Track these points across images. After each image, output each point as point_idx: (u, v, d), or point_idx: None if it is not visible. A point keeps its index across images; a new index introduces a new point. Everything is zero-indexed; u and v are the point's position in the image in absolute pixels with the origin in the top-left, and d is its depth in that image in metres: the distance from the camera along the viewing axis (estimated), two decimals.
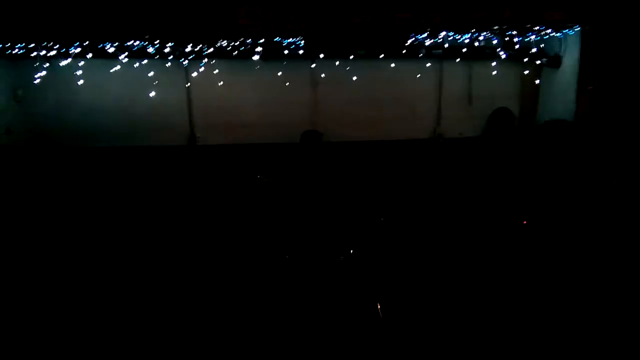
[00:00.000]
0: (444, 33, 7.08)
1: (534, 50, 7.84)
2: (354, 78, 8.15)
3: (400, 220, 5.98)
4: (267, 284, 4.53)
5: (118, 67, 7.71)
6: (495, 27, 6.64)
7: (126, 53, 7.44)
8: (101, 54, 7.45)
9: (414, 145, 8.48)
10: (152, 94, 8.00)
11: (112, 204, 6.53)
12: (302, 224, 5.83)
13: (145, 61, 7.88)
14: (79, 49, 7.25)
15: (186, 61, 8.12)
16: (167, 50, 7.62)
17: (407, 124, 8.66)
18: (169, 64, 8.06)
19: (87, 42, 7.12)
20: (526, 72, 8.27)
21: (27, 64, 7.55)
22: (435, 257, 5.06)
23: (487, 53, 7.94)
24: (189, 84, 8.47)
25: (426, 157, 8.15)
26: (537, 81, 8.30)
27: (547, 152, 6.09)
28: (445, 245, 5.33)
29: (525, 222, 5.81)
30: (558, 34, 7.53)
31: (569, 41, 7.58)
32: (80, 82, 7.51)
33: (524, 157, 7.26)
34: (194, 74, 8.23)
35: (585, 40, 7.21)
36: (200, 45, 7.61)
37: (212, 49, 7.79)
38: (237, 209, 6.25)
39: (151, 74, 7.94)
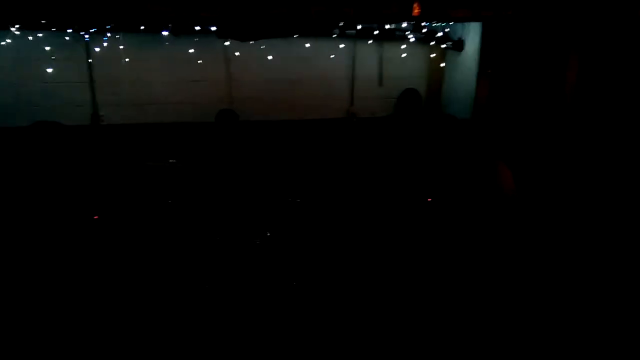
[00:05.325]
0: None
1: (439, 34, 8.25)
2: (269, 57, 8.09)
3: (316, 201, 6.21)
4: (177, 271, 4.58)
5: (9, 40, 7.03)
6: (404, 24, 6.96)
7: (18, 25, 6.77)
8: None
9: (329, 124, 8.67)
10: (50, 69, 7.44)
11: None
12: (214, 207, 5.86)
13: (41, 34, 7.24)
14: None
15: (87, 35, 7.55)
16: (65, 22, 7.03)
17: (322, 104, 8.79)
18: (68, 37, 7.47)
19: None
20: (432, 55, 8.70)
21: None
22: (350, 236, 5.37)
23: (397, 35, 8.22)
24: (90, 59, 7.91)
25: (340, 137, 8.40)
26: (442, 64, 8.79)
27: (448, 140, 6.58)
28: (359, 223, 5.66)
29: (430, 200, 6.30)
30: None
31: (471, 27, 8.05)
32: None
33: (429, 140, 7.75)
34: (97, 49, 7.70)
35: (485, 28, 7.70)
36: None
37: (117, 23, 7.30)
38: (143, 194, 6.13)
39: (48, 48, 7.33)
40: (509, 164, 4.91)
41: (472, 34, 8.07)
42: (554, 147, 7.44)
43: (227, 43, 7.84)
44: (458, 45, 8.35)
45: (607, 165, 6.89)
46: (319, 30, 7.87)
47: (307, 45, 8.16)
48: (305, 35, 8.03)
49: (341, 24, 6.82)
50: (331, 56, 8.52)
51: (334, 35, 8.01)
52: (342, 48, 8.43)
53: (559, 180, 6.67)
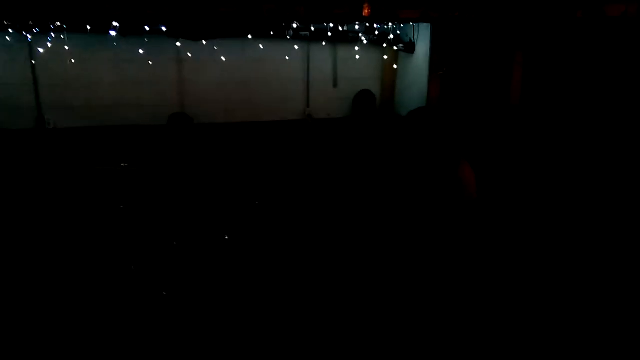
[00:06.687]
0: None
1: (391, 36, 8.40)
2: (223, 59, 8.00)
3: (274, 203, 6.16)
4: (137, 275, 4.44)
5: None
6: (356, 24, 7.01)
7: None
8: None
9: (285, 126, 8.64)
10: None
11: None
12: (170, 211, 5.72)
13: None
14: None
15: (30, 35, 7.25)
16: (5, 22, 6.72)
17: (278, 105, 8.77)
18: (9, 38, 7.15)
19: None
20: (385, 57, 8.84)
21: None
22: (310, 237, 5.34)
23: (350, 37, 8.32)
24: (34, 60, 7.59)
25: (297, 138, 8.38)
26: (395, 66, 8.94)
27: (406, 139, 6.62)
28: (318, 224, 5.64)
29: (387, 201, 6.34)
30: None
31: (422, 29, 8.24)
32: None
33: (385, 141, 7.84)
34: (41, 50, 7.41)
35: (434, 30, 7.90)
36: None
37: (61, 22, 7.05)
38: (97, 200, 5.91)
39: None
40: (465, 159, 5.00)
41: (422, 36, 8.25)
42: (503, 140, 7.68)
43: (178, 44, 7.71)
44: (409, 47, 8.51)
45: (553, 156, 7.17)
46: (273, 32, 7.85)
47: (261, 46, 8.13)
48: (259, 36, 8.00)
49: (294, 24, 6.84)
50: (286, 58, 8.51)
51: (288, 37, 8.01)
52: (296, 50, 8.45)
53: (515, 175, 6.86)
